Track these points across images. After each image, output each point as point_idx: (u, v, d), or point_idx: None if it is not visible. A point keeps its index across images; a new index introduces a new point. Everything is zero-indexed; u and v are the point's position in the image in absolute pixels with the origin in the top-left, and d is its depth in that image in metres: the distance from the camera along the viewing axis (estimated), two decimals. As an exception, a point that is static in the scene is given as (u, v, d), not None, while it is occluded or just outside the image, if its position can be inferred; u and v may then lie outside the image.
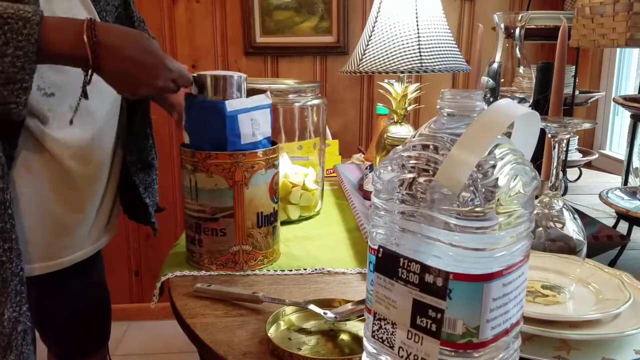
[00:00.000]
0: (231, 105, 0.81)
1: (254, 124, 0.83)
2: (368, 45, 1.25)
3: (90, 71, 0.70)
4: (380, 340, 0.46)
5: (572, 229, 0.75)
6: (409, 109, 1.17)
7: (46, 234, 0.83)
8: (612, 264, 0.86)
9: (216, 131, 0.81)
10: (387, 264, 0.45)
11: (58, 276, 0.87)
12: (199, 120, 0.83)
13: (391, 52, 1.21)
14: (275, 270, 0.84)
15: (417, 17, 1.22)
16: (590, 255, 0.78)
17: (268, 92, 0.88)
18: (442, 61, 1.21)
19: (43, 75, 0.76)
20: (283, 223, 1.03)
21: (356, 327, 0.67)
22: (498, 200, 0.41)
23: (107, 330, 1.17)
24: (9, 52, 0.63)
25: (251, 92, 0.88)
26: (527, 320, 0.55)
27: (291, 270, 0.85)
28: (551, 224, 0.75)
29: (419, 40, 1.21)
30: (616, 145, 1.92)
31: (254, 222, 0.84)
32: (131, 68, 0.71)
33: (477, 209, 0.41)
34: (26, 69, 0.64)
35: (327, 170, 1.43)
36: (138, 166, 0.99)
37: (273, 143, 0.89)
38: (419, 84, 1.18)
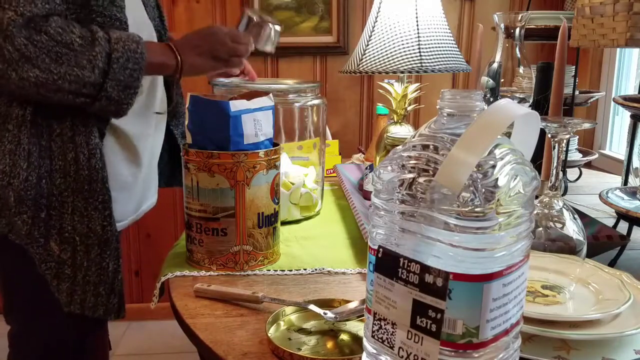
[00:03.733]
0: (235, 105, 0.81)
1: (257, 124, 0.84)
2: (368, 45, 1.25)
3: (179, 70, 0.92)
4: (380, 340, 0.46)
5: (572, 229, 0.75)
6: (409, 109, 1.17)
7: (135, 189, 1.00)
8: (612, 264, 0.86)
9: (219, 131, 0.81)
10: (387, 264, 0.45)
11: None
12: (202, 120, 0.83)
13: (391, 52, 1.21)
14: (275, 271, 0.84)
15: (417, 17, 1.22)
16: (590, 255, 0.78)
17: (271, 95, 0.89)
18: (442, 61, 1.21)
19: None
20: (283, 223, 1.02)
21: (356, 327, 0.67)
22: (498, 200, 0.41)
23: None
24: (129, 66, 0.83)
25: (254, 94, 0.88)
26: (527, 320, 0.55)
27: (291, 271, 0.85)
28: (551, 224, 0.75)
29: (419, 40, 1.21)
30: (616, 145, 1.92)
31: (254, 222, 0.84)
32: (203, 58, 0.95)
33: (477, 209, 0.41)
34: (139, 79, 0.85)
35: (327, 170, 1.43)
36: (182, 135, 1.15)
37: (274, 144, 0.89)
38: (419, 84, 1.18)
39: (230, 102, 0.81)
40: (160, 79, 1.04)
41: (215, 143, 0.82)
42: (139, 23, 0.95)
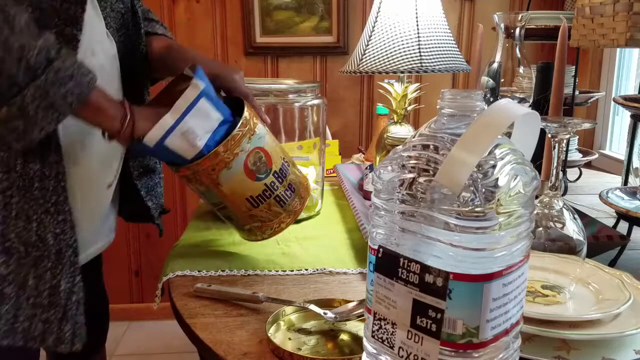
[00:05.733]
0: (151, 138, 0.73)
1: (189, 134, 0.75)
2: (368, 45, 1.25)
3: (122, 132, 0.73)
4: (380, 340, 0.46)
5: (572, 229, 0.75)
6: (409, 109, 1.17)
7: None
8: (612, 264, 0.86)
9: (162, 159, 0.81)
10: (387, 264, 0.45)
11: None
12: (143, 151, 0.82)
13: (391, 52, 1.21)
14: (276, 271, 0.84)
15: (417, 17, 1.22)
16: (590, 255, 0.78)
17: (195, 80, 0.74)
18: (442, 61, 1.21)
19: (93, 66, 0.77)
20: (283, 223, 1.02)
21: (356, 327, 0.67)
22: (498, 200, 0.41)
23: (105, 332, 1.17)
24: (69, 85, 0.65)
25: (178, 82, 0.81)
26: (527, 320, 0.55)
27: (292, 271, 0.85)
28: (551, 224, 0.75)
29: (419, 40, 1.21)
30: (616, 145, 1.92)
31: (248, 206, 0.83)
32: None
33: (477, 209, 0.41)
34: (72, 106, 0.66)
35: (327, 170, 1.43)
36: (140, 171, 1.00)
37: (233, 125, 0.79)
38: (419, 84, 1.18)
39: (148, 135, 0.73)
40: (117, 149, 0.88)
41: (174, 165, 0.80)
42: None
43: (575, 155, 1.43)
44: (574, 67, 1.27)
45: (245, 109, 0.81)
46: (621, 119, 1.89)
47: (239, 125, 0.78)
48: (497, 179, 0.42)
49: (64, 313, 0.72)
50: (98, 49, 0.82)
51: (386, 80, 1.22)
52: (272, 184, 0.84)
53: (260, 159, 0.82)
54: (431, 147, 0.45)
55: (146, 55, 0.95)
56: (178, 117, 0.73)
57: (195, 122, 0.75)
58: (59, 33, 0.69)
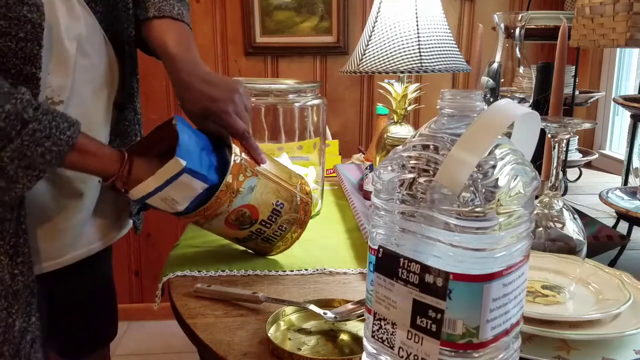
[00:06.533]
0: (134, 193, 0.74)
1: (168, 201, 0.76)
2: (368, 45, 1.25)
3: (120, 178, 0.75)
4: (380, 340, 0.46)
5: (572, 229, 0.75)
6: (409, 109, 1.17)
7: (52, 233, 0.83)
8: (612, 264, 0.86)
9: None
10: (387, 264, 0.45)
11: (67, 270, 0.87)
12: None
13: (391, 52, 1.21)
14: (276, 271, 0.84)
15: (417, 17, 1.22)
16: (590, 255, 0.78)
17: (177, 158, 0.72)
18: (442, 61, 1.22)
19: (52, 84, 0.76)
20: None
21: (356, 327, 0.67)
22: (498, 200, 0.41)
23: (113, 328, 1.17)
24: (46, 144, 0.66)
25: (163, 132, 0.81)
26: (527, 320, 0.55)
27: (292, 271, 0.85)
28: (551, 224, 0.75)
29: (419, 40, 1.21)
30: (616, 145, 1.92)
31: (237, 242, 0.89)
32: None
33: (477, 209, 0.41)
34: (51, 163, 0.68)
35: (327, 170, 1.43)
36: None
37: (214, 189, 0.76)
38: (419, 84, 1.18)
39: (131, 191, 0.74)
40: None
41: None
42: (73, 17, 0.76)
43: (575, 155, 1.43)
44: (574, 67, 1.27)
45: (229, 170, 0.77)
46: (621, 119, 1.89)
47: (216, 195, 0.76)
48: (497, 179, 0.42)
49: (17, 350, 0.74)
50: (88, 48, 0.80)
51: (386, 80, 1.22)
52: (258, 230, 0.84)
53: (243, 215, 0.81)
54: (431, 147, 0.44)
55: (134, 38, 0.91)
56: (159, 185, 0.73)
57: (176, 192, 0.75)
58: (18, 73, 0.70)
